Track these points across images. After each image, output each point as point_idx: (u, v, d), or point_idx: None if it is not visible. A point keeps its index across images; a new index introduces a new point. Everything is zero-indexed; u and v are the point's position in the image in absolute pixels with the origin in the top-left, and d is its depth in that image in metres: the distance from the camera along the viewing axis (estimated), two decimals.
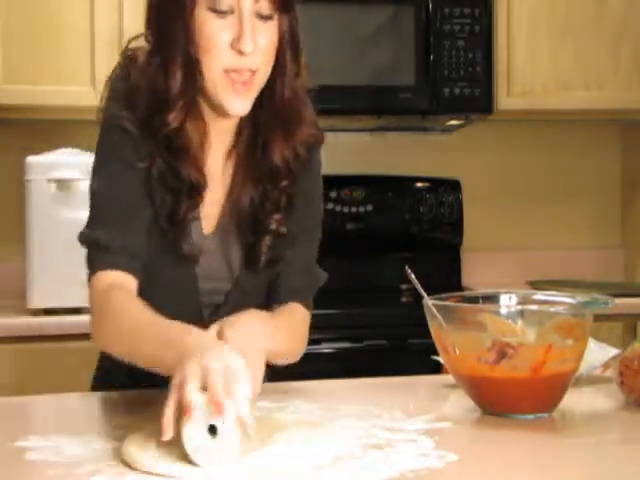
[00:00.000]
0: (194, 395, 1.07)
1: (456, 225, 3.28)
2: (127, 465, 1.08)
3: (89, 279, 1.39)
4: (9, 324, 2.56)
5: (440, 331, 1.34)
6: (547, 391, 1.32)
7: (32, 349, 2.55)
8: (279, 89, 1.43)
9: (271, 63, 1.40)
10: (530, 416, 1.32)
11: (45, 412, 1.49)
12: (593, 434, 1.26)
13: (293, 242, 1.49)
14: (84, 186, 2.61)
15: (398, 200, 3.25)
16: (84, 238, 1.41)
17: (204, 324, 1.32)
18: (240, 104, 1.38)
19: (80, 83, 2.78)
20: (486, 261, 3.37)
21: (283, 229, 1.47)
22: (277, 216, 1.46)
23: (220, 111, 1.41)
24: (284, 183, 1.46)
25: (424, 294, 1.35)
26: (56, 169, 2.60)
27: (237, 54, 1.35)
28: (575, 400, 1.39)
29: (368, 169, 3.29)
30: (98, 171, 1.44)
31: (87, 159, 2.65)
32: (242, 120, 1.46)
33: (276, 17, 1.38)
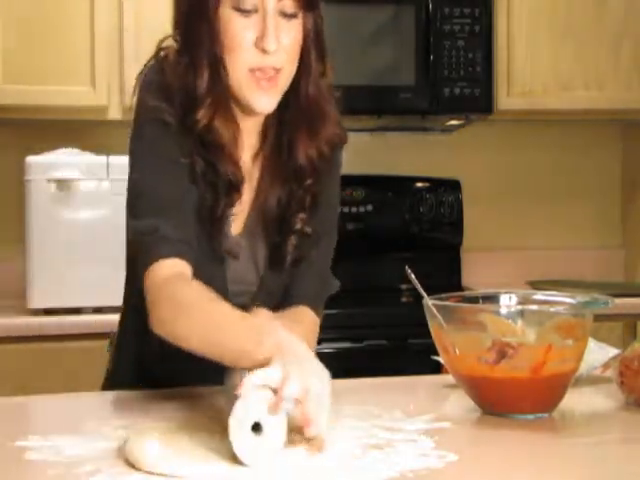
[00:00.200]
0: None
1: (456, 225, 3.27)
2: (127, 465, 1.08)
3: (145, 269, 1.34)
4: (9, 324, 2.56)
5: (440, 331, 1.34)
6: (547, 391, 1.32)
7: (32, 349, 2.54)
8: (304, 87, 1.43)
9: (295, 62, 1.40)
10: (530, 416, 1.32)
11: (45, 412, 1.49)
12: (593, 434, 1.26)
13: (317, 242, 1.50)
14: (84, 186, 2.65)
15: (398, 200, 3.25)
16: (137, 228, 1.37)
17: None
18: (266, 101, 1.38)
19: (80, 83, 2.78)
20: (486, 261, 3.37)
21: (308, 229, 1.47)
22: (302, 215, 1.47)
23: (247, 109, 1.41)
24: (309, 182, 1.46)
25: (424, 294, 1.35)
26: (56, 169, 2.60)
27: (261, 53, 1.35)
28: (575, 400, 1.39)
29: (368, 169, 3.29)
30: (140, 164, 1.41)
31: (87, 159, 2.68)
32: (268, 119, 1.46)
33: (300, 15, 1.38)
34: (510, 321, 1.33)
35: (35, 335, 2.54)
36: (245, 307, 1.47)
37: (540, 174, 3.45)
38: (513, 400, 1.32)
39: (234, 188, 1.42)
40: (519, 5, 3.07)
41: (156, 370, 1.51)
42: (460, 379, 1.37)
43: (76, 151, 2.68)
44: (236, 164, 1.42)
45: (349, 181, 3.20)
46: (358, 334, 2.67)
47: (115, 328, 1.63)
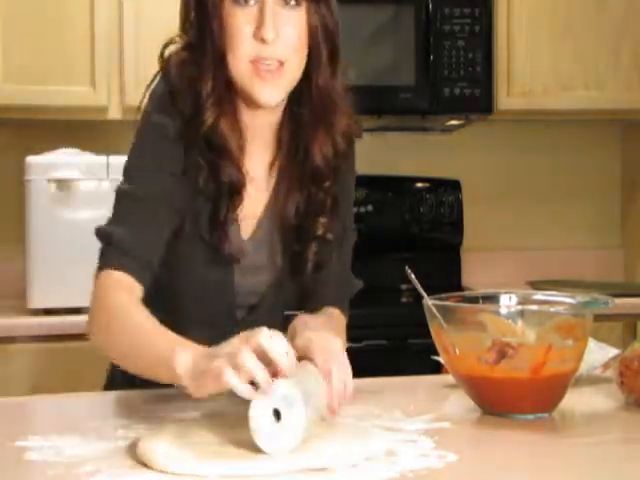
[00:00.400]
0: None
1: (456, 225, 3.27)
2: (127, 465, 1.08)
3: (97, 274, 1.38)
4: (9, 324, 2.56)
5: (440, 331, 1.34)
6: (547, 391, 1.32)
7: (32, 349, 2.55)
8: (314, 82, 1.42)
9: (301, 54, 1.39)
10: (530, 416, 1.32)
11: (45, 412, 1.49)
12: (593, 434, 1.26)
13: (339, 245, 1.50)
14: (84, 186, 2.65)
15: (398, 200, 3.25)
16: (100, 232, 1.40)
17: (237, 324, 1.33)
18: (269, 93, 1.37)
19: (80, 83, 2.78)
20: (486, 261, 3.37)
21: (330, 235, 1.47)
22: (323, 220, 1.46)
23: (252, 104, 1.40)
24: (327, 184, 1.46)
25: (424, 294, 1.35)
26: (56, 169, 2.60)
27: (260, 43, 1.34)
28: (575, 400, 1.39)
29: (368, 169, 3.28)
30: (130, 173, 1.42)
31: (87, 159, 2.68)
32: (282, 124, 1.46)
33: (304, 6, 1.38)
34: (510, 321, 1.33)
35: (35, 335, 2.54)
36: (253, 307, 1.48)
37: (540, 174, 3.45)
38: (513, 400, 1.32)
39: (235, 191, 1.41)
40: (519, 5, 3.07)
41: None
42: (460, 379, 1.37)
43: (76, 151, 2.68)
44: (239, 168, 1.41)
45: None
46: (358, 334, 2.66)
47: None
